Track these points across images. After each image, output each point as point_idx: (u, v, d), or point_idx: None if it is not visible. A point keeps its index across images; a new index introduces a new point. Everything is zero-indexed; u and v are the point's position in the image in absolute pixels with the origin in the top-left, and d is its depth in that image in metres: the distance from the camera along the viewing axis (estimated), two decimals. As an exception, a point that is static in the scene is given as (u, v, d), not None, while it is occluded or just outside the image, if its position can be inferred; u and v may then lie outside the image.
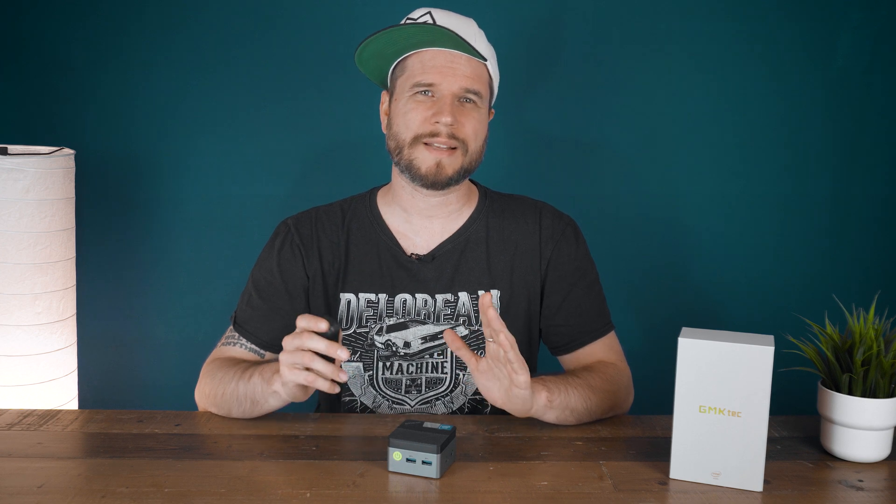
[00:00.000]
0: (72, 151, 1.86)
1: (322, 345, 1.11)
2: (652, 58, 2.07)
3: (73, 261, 1.89)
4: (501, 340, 1.11)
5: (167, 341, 2.15)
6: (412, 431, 1.12)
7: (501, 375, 1.16)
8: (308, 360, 1.12)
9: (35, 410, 1.32)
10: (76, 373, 1.92)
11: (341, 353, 1.11)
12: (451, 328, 1.41)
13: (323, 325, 1.12)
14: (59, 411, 1.32)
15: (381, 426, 1.28)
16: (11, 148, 1.84)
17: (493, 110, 1.47)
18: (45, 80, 2.06)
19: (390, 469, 1.11)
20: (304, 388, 1.19)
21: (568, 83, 2.08)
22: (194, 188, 2.10)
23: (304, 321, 1.13)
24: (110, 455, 1.16)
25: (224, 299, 2.11)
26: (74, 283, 1.90)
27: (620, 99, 2.08)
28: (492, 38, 1.44)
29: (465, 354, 1.18)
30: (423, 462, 1.09)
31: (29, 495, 1.03)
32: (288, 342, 1.14)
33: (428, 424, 1.14)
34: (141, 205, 2.11)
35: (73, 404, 1.92)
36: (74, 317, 1.91)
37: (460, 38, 1.31)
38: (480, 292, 1.41)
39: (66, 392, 1.88)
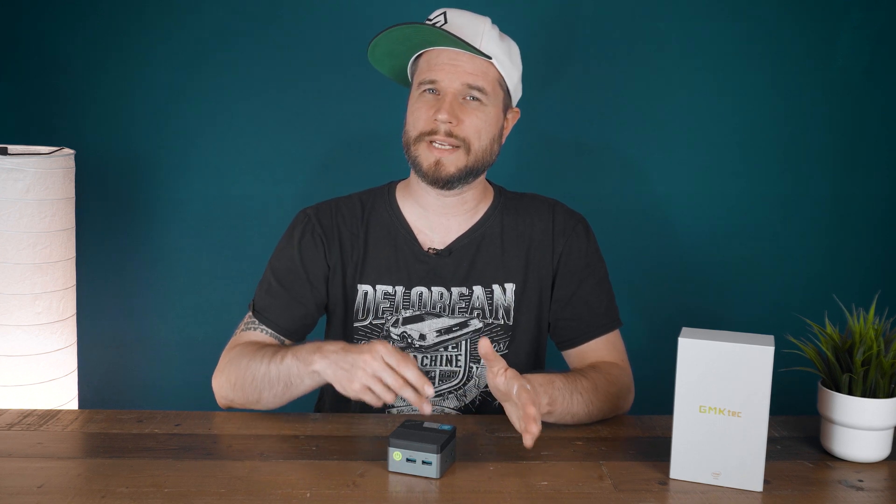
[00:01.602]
0: (72, 151, 1.86)
1: (413, 374, 1.14)
2: (652, 58, 2.07)
3: (73, 261, 1.89)
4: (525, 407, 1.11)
5: (167, 341, 2.15)
6: (412, 431, 1.12)
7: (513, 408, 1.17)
8: (396, 383, 1.14)
9: (35, 410, 1.32)
10: (76, 373, 1.92)
11: (428, 389, 1.14)
12: (471, 327, 1.43)
13: (430, 391, 1.14)
14: (59, 411, 1.32)
15: (381, 426, 1.28)
16: (11, 148, 1.84)
17: (517, 109, 1.47)
18: (45, 80, 2.06)
19: (390, 469, 1.11)
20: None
21: (568, 84, 2.08)
22: (194, 188, 2.10)
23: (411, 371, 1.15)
24: (110, 455, 1.16)
25: (224, 299, 2.11)
26: (74, 283, 1.90)
27: (620, 100, 2.08)
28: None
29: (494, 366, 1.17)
30: (423, 462, 1.09)
31: (29, 495, 1.03)
32: (382, 351, 1.15)
33: (428, 424, 1.14)
34: (141, 205, 2.11)
35: (73, 404, 1.92)
36: (74, 317, 1.91)
37: (454, 36, 1.32)
38: (495, 286, 1.43)
39: (66, 392, 1.88)
